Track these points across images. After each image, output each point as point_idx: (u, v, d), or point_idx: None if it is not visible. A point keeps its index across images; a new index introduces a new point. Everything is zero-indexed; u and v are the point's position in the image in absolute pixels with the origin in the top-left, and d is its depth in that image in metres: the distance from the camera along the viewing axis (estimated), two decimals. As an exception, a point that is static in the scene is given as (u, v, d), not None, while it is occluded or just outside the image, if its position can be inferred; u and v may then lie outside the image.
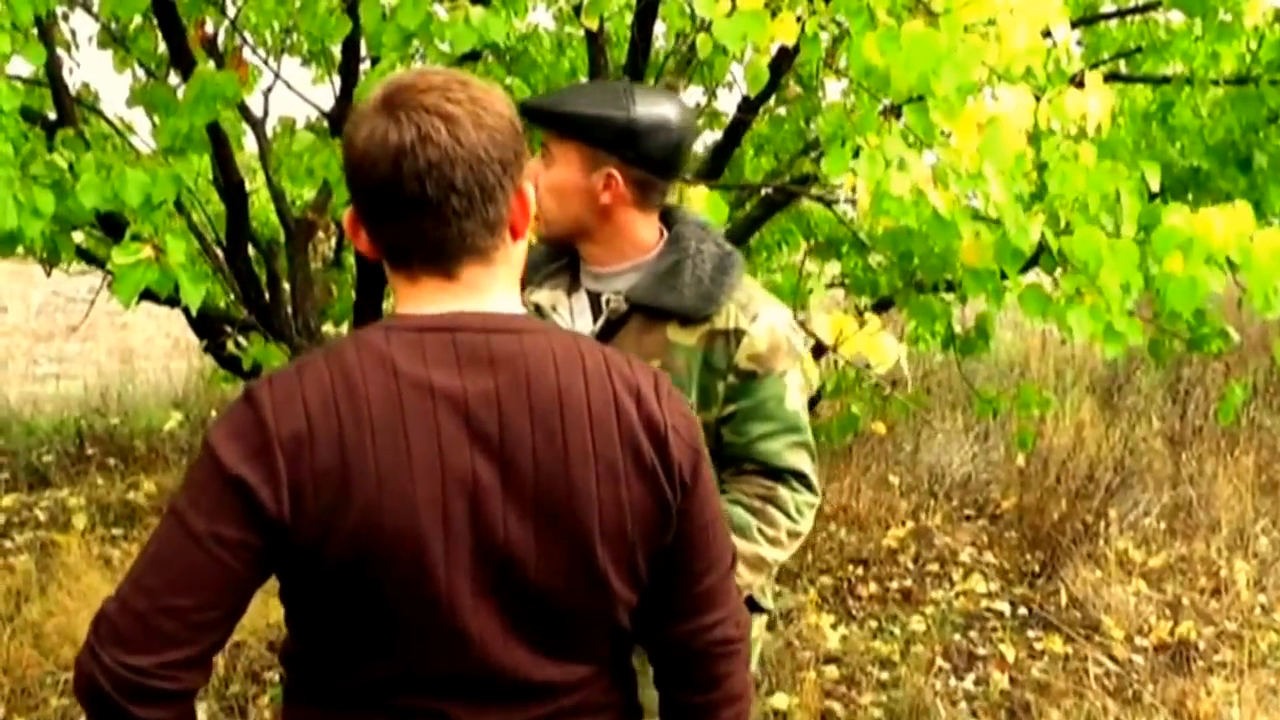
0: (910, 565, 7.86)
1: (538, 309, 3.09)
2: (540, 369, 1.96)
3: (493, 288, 2.01)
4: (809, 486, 3.10)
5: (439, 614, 1.92)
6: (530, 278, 3.13)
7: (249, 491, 1.86)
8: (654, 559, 2.05)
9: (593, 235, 3.06)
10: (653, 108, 3.01)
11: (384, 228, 1.98)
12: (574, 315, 3.10)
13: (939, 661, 6.38)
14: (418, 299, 1.99)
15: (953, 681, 6.20)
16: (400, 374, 1.91)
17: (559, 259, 3.18)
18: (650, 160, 3.01)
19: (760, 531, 3.03)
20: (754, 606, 3.20)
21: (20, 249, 4.88)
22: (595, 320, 3.08)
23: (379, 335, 1.96)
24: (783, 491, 3.06)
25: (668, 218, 3.16)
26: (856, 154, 3.98)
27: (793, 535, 3.08)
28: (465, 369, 1.93)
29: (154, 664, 1.86)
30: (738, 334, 3.02)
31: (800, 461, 3.08)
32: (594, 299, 3.11)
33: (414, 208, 1.92)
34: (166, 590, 1.87)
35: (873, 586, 7.45)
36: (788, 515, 3.06)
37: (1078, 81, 4.22)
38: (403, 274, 2.01)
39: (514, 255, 2.06)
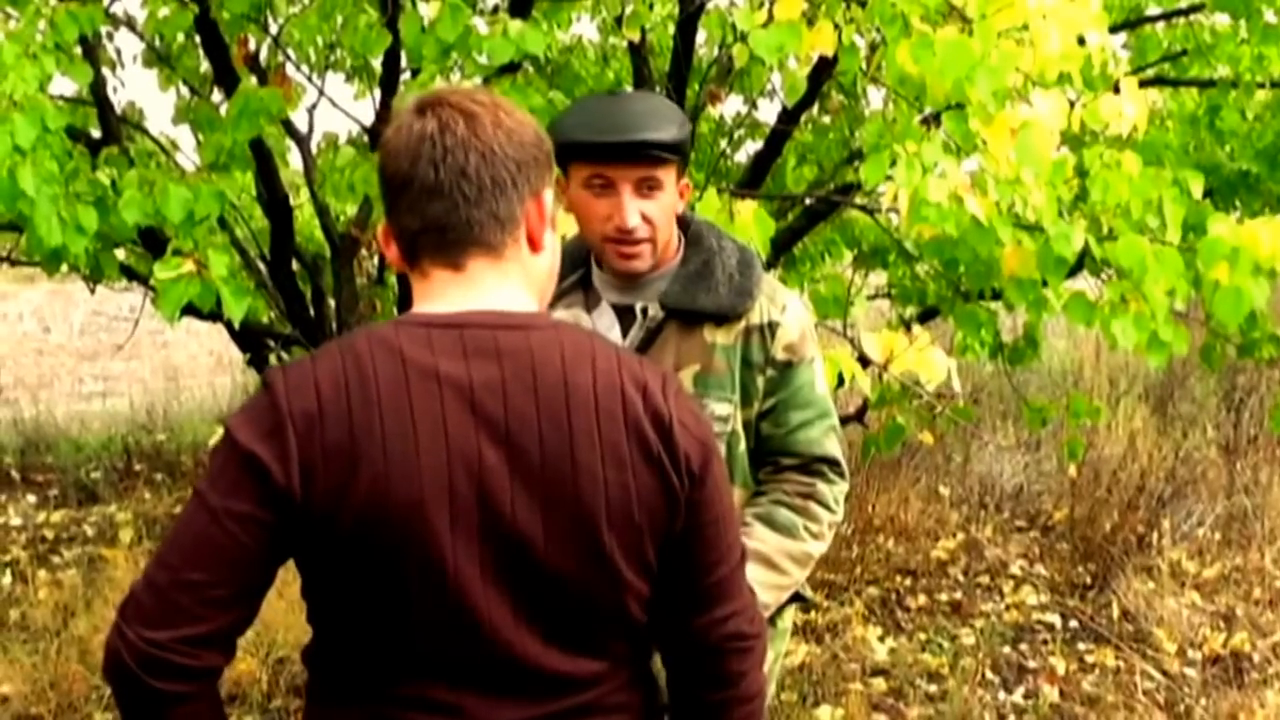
0: (960, 577, 7.80)
1: None
2: (546, 360, 2.00)
3: (502, 287, 2.05)
4: (841, 474, 3.15)
5: (447, 592, 1.96)
6: None
7: (262, 468, 1.93)
8: (663, 549, 2.07)
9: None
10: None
11: (401, 220, 2.04)
12: (601, 330, 3.08)
13: (988, 674, 6.32)
14: (429, 295, 2.05)
15: (1002, 695, 6.14)
16: (408, 361, 1.96)
17: (568, 275, 3.16)
18: None
19: (806, 529, 3.07)
20: (797, 598, 3.26)
21: (64, 267, 4.91)
22: (625, 332, 3.07)
23: (389, 328, 2.02)
24: (821, 486, 3.10)
25: (678, 219, 3.16)
26: (895, 162, 3.96)
27: (832, 526, 3.14)
28: (471, 359, 1.98)
29: (171, 639, 1.93)
30: (772, 326, 3.06)
31: (835, 448, 3.13)
32: (620, 311, 3.11)
33: (425, 192, 1.99)
34: (184, 566, 1.95)
35: (921, 598, 7.39)
36: (828, 509, 3.11)
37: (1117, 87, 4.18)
38: (416, 270, 2.07)
39: (531, 265, 2.10)
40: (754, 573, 2.94)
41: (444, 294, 2.04)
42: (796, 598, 3.25)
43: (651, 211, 2.96)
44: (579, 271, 3.17)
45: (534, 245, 2.09)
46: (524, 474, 1.97)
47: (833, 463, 3.12)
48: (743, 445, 3.08)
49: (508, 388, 1.97)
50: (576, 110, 3.08)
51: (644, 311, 3.06)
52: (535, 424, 1.98)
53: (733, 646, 2.17)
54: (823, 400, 3.12)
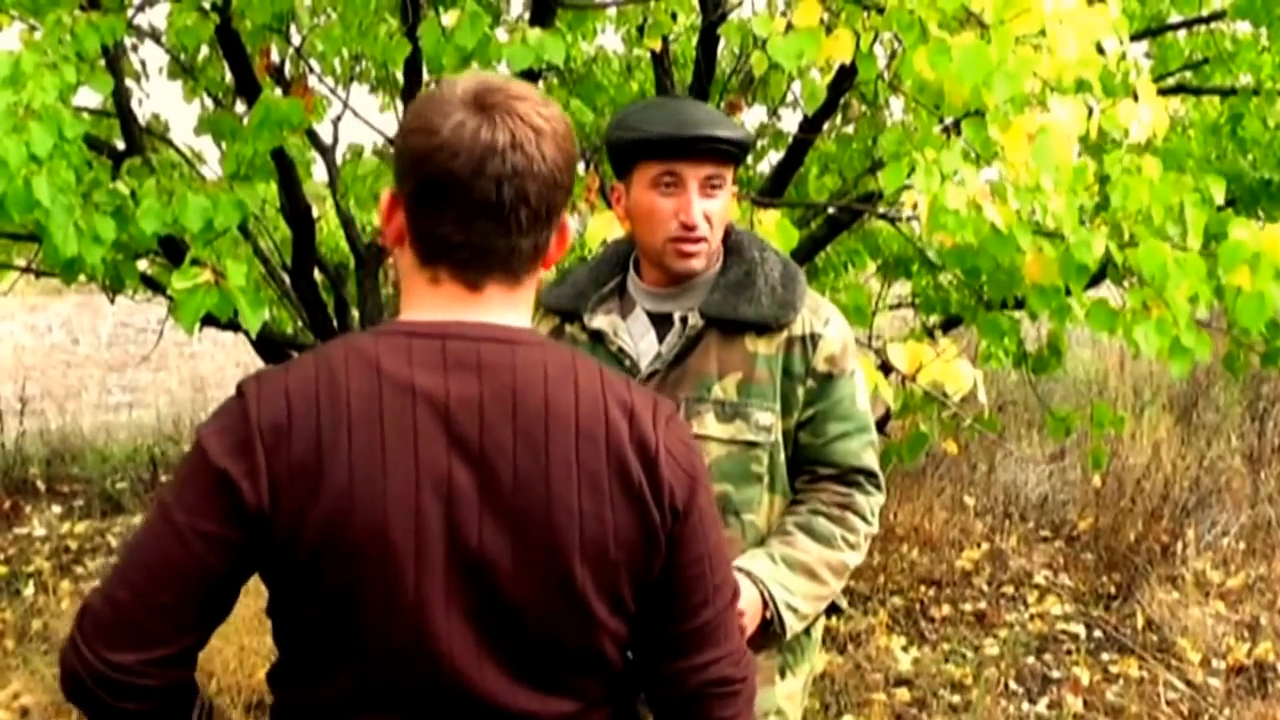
0: (984, 587, 7.77)
1: (599, 334, 3.09)
2: (529, 379, 1.89)
3: (509, 310, 1.96)
4: (878, 486, 3.13)
5: (406, 620, 1.86)
6: (579, 304, 3.13)
7: (232, 485, 1.84)
8: (642, 588, 1.96)
9: None
10: None
11: (436, 221, 1.91)
12: (636, 338, 3.08)
13: (1012, 685, 6.30)
14: (429, 303, 1.94)
15: (1025, 705, 6.12)
16: (383, 373, 1.87)
17: (604, 283, 3.16)
18: None
19: (843, 539, 3.04)
20: (831, 607, 3.22)
21: (84, 277, 4.92)
22: (660, 340, 3.06)
23: (369, 337, 1.93)
24: (859, 497, 3.08)
25: None
26: (914, 170, 3.95)
27: (867, 539, 3.11)
28: (451, 373, 1.87)
29: (136, 661, 1.86)
30: (814, 338, 3.03)
31: (873, 461, 3.11)
32: (656, 319, 3.09)
33: (481, 209, 1.87)
34: (149, 586, 1.86)
35: (945, 608, 7.37)
36: (864, 520, 3.08)
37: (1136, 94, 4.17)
38: (427, 272, 1.95)
39: (536, 283, 2.02)
40: (797, 583, 2.95)
41: (448, 308, 1.93)
42: (830, 607, 3.23)
43: (712, 211, 2.97)
44: (617, 278, 3.17)
45: (547, 265, 2.00)
46: (494, 499, 1.87)
47: (870, 475, 3.10)
48: (782, 454, 3.07)
49: (485, 406, 1.87)
50: (638, 112, 3.05)
51: (683, 320, 3.04)
52: (510, 447, 1.87)
53: (716, 692, 2.05)
54: (863, 415, 3.10)
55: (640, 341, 3.08)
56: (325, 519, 1.83)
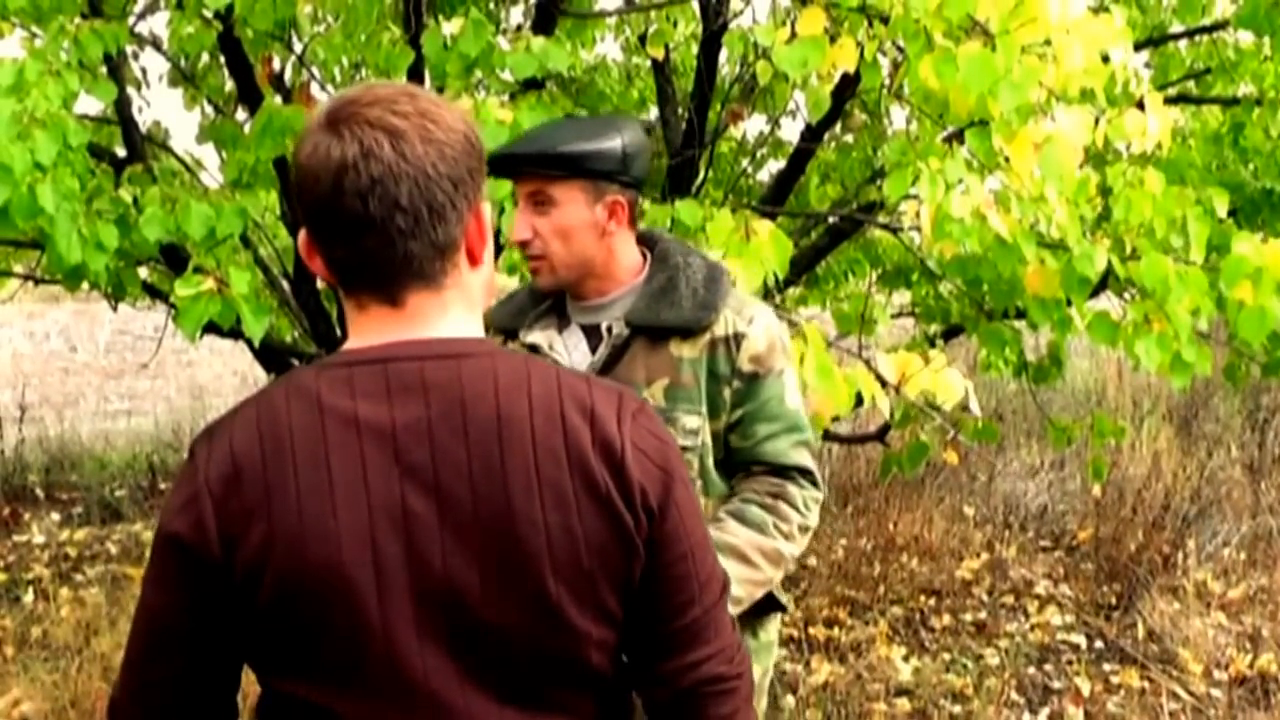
0: (985, 597, 7.77)
1: (534, 349, 3.11)
2: (478, 394, 1.83)
3: (442, 318, 1.89)
4: (814, 483, 3.15)
5: (376, 651, 1.81)
6: (518, 321, 3.18)
7: (181, 544, 1.82)
8: (626, 592, 1.89)
9: (595, 268, 3.07)
10: (634, 131, 3.05)
11: (330, 249, 1.87)
12: (569, 351, 3.11)
13: (1013, 695, 6.29)
14: (365, 329, 1.89)
15: (1026, 716, 6.10)
16: (325, 408, 1.82)
17: (544, 300, 3.19)
18: (639, 180, 3.06)
19: (776, 527, 3.07)
20: (773, 603, 3.26)
21: (85, 285, 4.92)
22: (593, 352, 3.10)
23: (311, 372, 1.87)
24: (791, 488, 3.10)
25: (646, 238, 3.20)
26: (918, 179, 3.95)
27: (803, 530, 3.13)
28: (395, 399, 1.82)
29: None
30: (737, 338, 3.06)
31: (804, 459, 3.13)
32: (589, 331, 3.13)
33: (357, 227, 1.81)
34: (147, 665, 1.88)
35: (946, 618, 7.36)
36: (797, 510, 3.10)
37: (1141, 103, 4.17)
38: (352, 300, 1.90)
39: (471, 283, 1.94)
40: (727, 566, 2.94)
41: (381, 331, 1.87)
42: (777, 607, 3.26)
43: (541, 227, 2.98)
44: (552, 297, 3.19)
45: (474, 261, 1.92)
46: (455, 524, 1.80)
47: (804, 471, 3.12)
48: (712, 458, 3.10)
49: (434, 429, 1.81)
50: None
51: (609, 329, 3.08)
52: (465, 468, 1.80)
53: (709, 691, 1.98)
54: (793, 414, 3.12)
55: (574, 354, 3.11)
56: (280, 561, 1.79)
